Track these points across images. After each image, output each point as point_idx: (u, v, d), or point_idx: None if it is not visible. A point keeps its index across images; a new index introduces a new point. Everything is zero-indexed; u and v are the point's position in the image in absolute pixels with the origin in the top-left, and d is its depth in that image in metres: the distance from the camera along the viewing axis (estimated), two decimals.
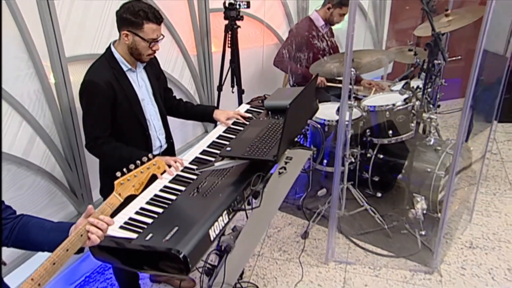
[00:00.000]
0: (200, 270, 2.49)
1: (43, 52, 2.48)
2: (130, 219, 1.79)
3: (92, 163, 2.74)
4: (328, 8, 3.78)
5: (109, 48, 2.24)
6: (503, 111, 4.77)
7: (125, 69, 2.24)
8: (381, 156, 3.52)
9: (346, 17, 3.81)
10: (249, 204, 2.06)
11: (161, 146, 2.50)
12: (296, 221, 3.59)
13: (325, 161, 3.53)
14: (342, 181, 3.39)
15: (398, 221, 3.42)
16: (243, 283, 2.99)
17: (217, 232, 1.77)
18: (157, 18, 2.17)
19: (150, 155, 1.63)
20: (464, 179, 3.92)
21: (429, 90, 3.34)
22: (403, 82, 3.72)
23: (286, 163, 2.15)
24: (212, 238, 1.74)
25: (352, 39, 2.51)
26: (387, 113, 3.26)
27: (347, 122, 3.14)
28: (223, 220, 1.81)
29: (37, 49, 2.43)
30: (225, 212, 1.83)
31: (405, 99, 3.21)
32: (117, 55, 2.22)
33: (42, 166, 2.58)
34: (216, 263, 2.43)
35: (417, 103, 3.25)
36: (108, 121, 2.25)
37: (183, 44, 3.44)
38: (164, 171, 1.80)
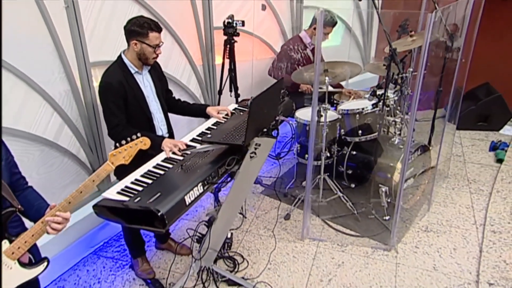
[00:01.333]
0: (193, 238, 2.75)
1: (72, 58, 2.76)
2: (126, 186, 2.03)
3: (110, 149, 3.00)
4: (314, 28, 3.91)
5: (120, 56, 2.48)
6: (470, 120, 4.90)
7: (132, 71, 2.47)
8: (354, 152, 3.69)
9: (330, 35, 4.00)
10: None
11: (163, 135, 2.73)
12: (282, 205, 3.77)
13: (307, 155, 3.72)
14: (320, 173, 3.59)
15: (366, 207, 3.58)
16: (231, 252, 3.20)
17: (192, 198, 2.00)
18: (158, 27, 2.42)
19: (138, 134, 1.86)
20: (430, 176, 4.06)
21: (395, 98, 3.52)
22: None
23: (255, 148, 2.34)
24: (187, 203, 1.97)
25: (320, 51, 2.71)
26: (357, 116, 3.43)
27: (322, 123, 3.34)
28: (198, 190, 2.03)
29: (68, 57, 2.70)
30: (200, 184, 2.05)
31: (372, 105, 3.38)
32: (126, 61, 2.45)
33: (69, 149, 2.85)
34: (205, 233, 2.67)
35: (385, 108, 3.42)
36: (123, 112, 2.46)
37: (191, 56, 3.66)
38: (151, 147, 2.00)
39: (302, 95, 3.98)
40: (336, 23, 3.89)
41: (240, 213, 3.62)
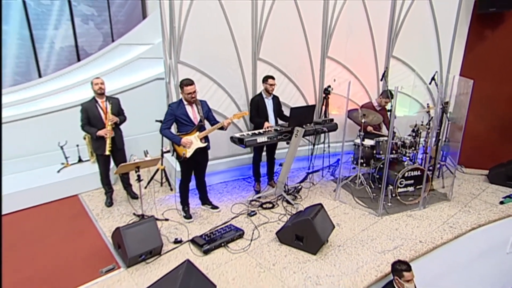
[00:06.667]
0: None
1: (249, 87, 4.86)
2: (243, 134, 3.99)
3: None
4: (380, 98, 5.04)
5: (262, 91, 4.45)
6: (502, 178, 4.93)
7: (264, 97, 4.40)
8: (382, 166, 4.65)
9: (389, 105, 5.02)
10: None
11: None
12: (335, 186, 4.96)
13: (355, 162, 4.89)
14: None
15: (379, 196, 4.48)
16: (297, 194, 4.67)
17: (260, 141, 3.83)
18: (272, 78, 4.28)
19: (246, 111, 3.81)
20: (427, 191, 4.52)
21: (411, 139, 4.37)
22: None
23: (297, 132, 3.97)
24: (258, 142, 3.81)
25: (347, 106, 4.10)
26: (381, 143, 4.46)
27: (364, 145, 4.53)
28: (263, 139, 3.86)
29: (247, 87, 4.83)
30: (266, 137, 3.87)
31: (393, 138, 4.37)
32: (263, 92, 4.41)
33: (236, 122, 4.90)
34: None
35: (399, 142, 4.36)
36: (256, 110, 4.30)
37: (307, 102, 5.32)
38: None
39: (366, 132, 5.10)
40: (392, 97, 4.91)
41: (311, 182, 5.06)
